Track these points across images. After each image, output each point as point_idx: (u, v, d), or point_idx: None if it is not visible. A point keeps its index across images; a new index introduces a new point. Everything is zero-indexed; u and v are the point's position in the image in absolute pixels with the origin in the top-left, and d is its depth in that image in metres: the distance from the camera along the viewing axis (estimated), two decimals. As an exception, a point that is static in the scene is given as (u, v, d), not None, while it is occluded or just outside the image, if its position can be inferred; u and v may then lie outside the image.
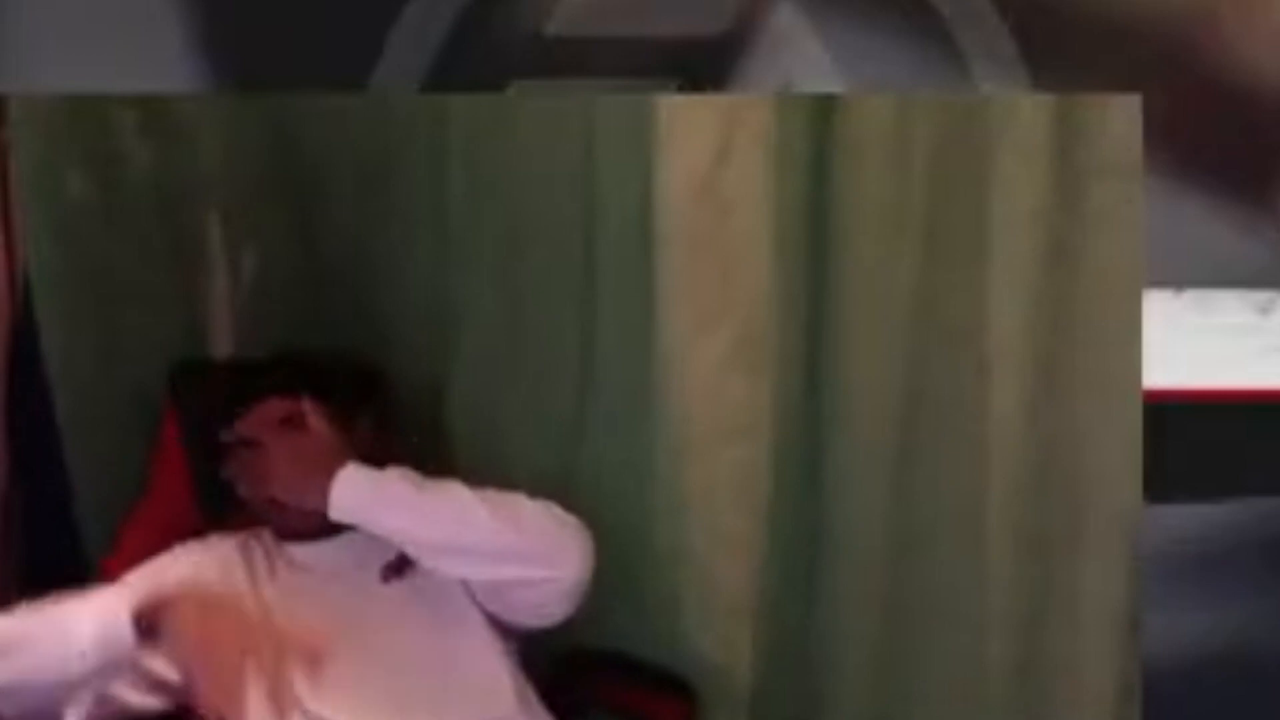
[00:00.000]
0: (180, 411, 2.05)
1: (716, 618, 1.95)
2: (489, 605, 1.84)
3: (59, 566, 2.09)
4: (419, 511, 1.79)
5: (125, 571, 1.84)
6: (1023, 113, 1.70)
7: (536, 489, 2.02)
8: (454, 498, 1.80)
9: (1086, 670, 1.74)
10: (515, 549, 1.79)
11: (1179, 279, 1.89)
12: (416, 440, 2.04)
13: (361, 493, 1.78)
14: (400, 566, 1.87)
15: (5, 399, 2.15)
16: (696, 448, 1.91)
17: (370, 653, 1.82)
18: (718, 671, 1.96)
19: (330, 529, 1.86)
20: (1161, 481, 1.81)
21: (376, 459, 1.84)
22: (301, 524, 1.86)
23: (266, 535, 1.91)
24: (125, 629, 1.63)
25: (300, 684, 1.80)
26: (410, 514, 1.79)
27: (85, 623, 1.64)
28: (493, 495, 1.82)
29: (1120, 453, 1.72)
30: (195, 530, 1.95)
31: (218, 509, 1.97)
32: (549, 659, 1.99)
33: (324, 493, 1.77)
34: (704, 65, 1.86)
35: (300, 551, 1.89)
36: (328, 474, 1.77)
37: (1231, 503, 1.89)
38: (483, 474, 2.00)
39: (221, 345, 2.25)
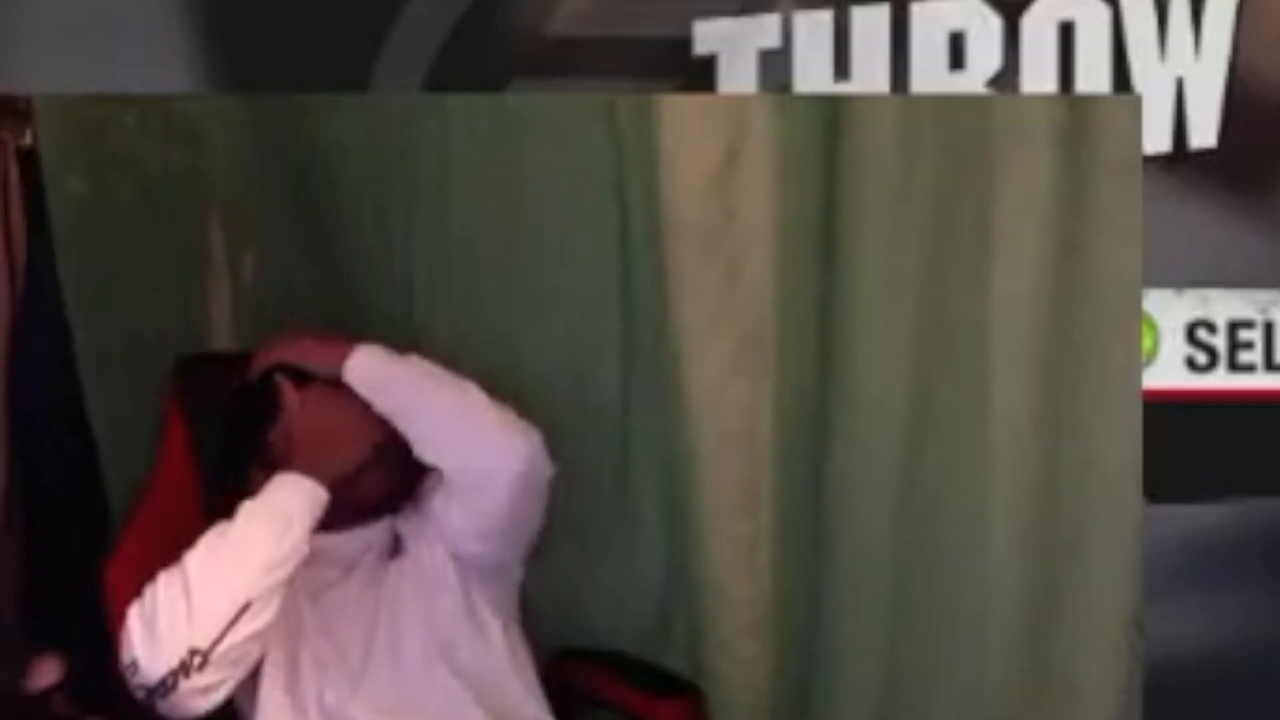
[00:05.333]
0: (186, 403, 2.04)
1: (723, 625, 1.95)
2: (455, 512, 1.87)
3: (59, 566, 2.09)
4: (426, 394, 1.85)
5: (126, 572, 1.84)
6: (1025, 112, 1.70)
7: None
8: (458, 387, 1.86)
9: (1091, 672, 1.74)
10: (495, 436, 1.84)
11: (1179, 279, 1.89)
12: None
13: (378, 362, 1.86)
14: (396, 550, 1.90)
15: (5, 399, 2.15)
16: (704, 450, 1.91)
17: (381, 642, 1.84)
18: (723, 679, 1.96)
19: (351, 519, 1.87)
20: (1161, 481, 1.81)
21: None
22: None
23: None
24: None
25: (318, 679, 1.81)
26: (417, 394, 1.85)
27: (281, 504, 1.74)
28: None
29: (1121, 452, 1.72)
30: (197, 530, 1.95)
31: (224, 500, 1.97)
32: (549, 659, 1.99)
33: (343, 356, 1.85)
34: (705, 65, 1.86)
35: (317, 542, 1.89)
36: (349, 344, 1.87)
37: (1231, 503, 1.89)
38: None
39: (222, 345, 2.26)
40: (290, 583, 1.72)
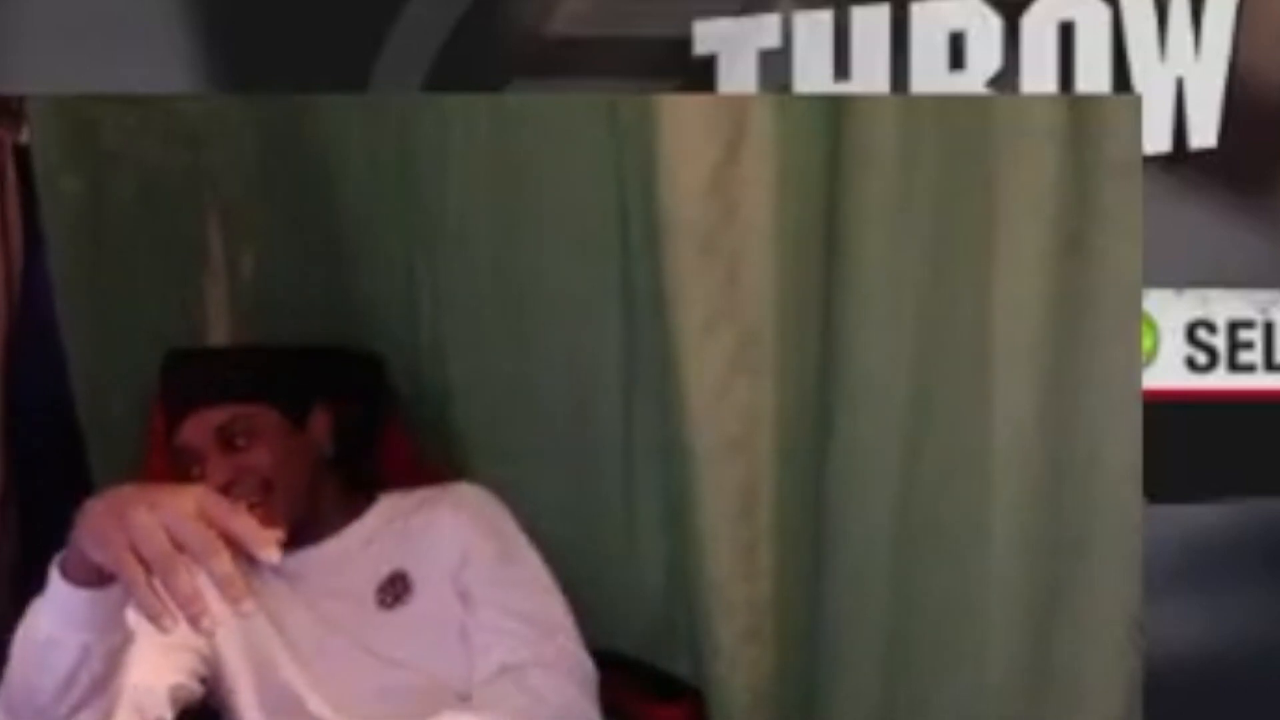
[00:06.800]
0: (166, 400, 2.04)
1: (724, 628, 1.94)
2: None
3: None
4: None
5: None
6: (1025, 112, 1.71)
7: (538, 488, 2.03)
8: None
9: (1094, 672, 1.74)
10: None
11: (1179, 279, 1.89)
12: (421, 438, 2.04)
13: None
14: (400, 592, 1.85)
15: (4, 399, 2.15)
16: (704, 451, 1.90)
17: (367, 660, 1.83)
18: (724, 681, 1.95)
19: (316, 534, 1.86)
20: (1161, 481, 1.81)
21: (341, 453, 1.87)
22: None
23: None
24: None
25: (298, 693, 1.80)
26: None
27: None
28: None
29: (1121, 452, 1.72)
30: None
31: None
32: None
33: None
34: (705, 65, 1.86)
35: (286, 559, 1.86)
36: None
37: (1231, 503, 1.89)
38: (484, 472, 2.01)
39: (218, 344, 2.26)
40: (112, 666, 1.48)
